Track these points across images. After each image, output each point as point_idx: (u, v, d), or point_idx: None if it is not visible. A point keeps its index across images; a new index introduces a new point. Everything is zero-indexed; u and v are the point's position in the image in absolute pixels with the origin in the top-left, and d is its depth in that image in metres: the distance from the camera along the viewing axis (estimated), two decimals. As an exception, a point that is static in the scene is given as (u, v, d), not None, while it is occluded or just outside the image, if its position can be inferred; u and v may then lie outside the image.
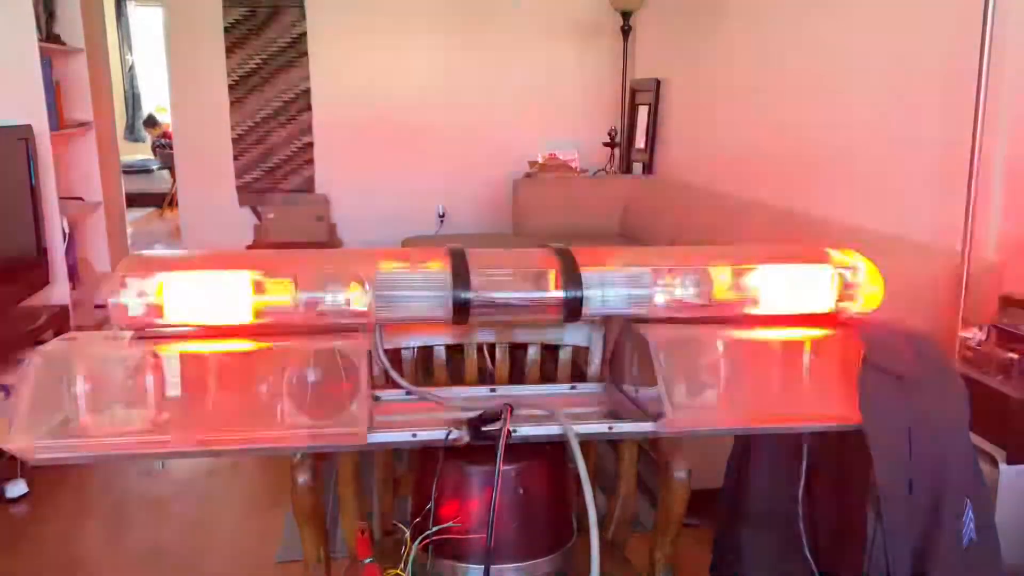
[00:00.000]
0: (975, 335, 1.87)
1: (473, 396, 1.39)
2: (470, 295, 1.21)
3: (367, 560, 1.15)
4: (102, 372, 1.17)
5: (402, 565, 1.16)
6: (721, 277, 1.29)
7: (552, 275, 1.24)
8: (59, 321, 3.33)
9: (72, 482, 2.82)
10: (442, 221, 5.22)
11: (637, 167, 4.68)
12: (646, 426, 1.21)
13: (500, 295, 1.23)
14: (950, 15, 2.30)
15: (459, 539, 1.21)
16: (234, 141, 5.11)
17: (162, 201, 9.18)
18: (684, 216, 3.71)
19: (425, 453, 1.31)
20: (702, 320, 1.30)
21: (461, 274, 1.22)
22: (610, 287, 1.25)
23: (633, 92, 4.78)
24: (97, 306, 4.32)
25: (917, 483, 1.20)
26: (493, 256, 1.28)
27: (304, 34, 5.04)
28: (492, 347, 1.52)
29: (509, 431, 1.12)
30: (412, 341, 1.45)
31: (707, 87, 3.97)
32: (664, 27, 4.49)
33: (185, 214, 5.19)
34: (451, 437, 1.15)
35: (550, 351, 1.54)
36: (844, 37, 2.84)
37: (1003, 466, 1.60)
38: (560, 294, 1.23)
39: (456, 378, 1.50)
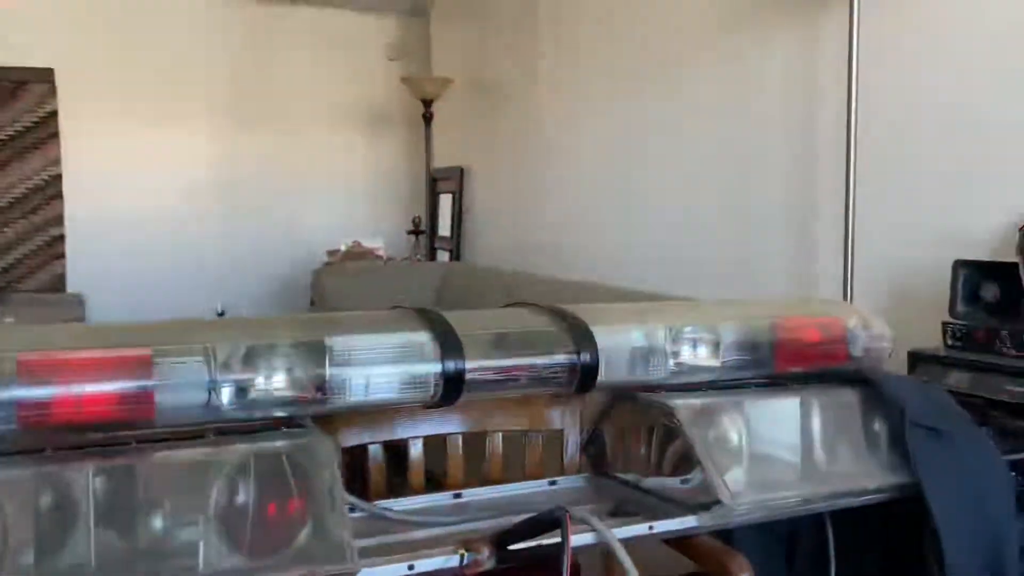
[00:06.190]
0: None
1: (436, 506, 1.06)
2: (465, 366, 0.91)
3: None
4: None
5: None
6: (731, 335, 1.10)
7: (553, 337, 0.98)
8: None
9: None
10: (225, 320, 4.69)
11: (443, 255, 4.51)
12: (691, 520, 0.96)
13: (500, 364, 0.94)
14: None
15: None
16: (-35, 233, 4.30)
17: None
18: (504, 299, 3.56)
19: None
20: (713, 385, 1.10)
21: (449, 341, 0.92)
22: (626, 350, 1.01)
23: (435, 180, 4.65)
24: None
25: (976, 542, 1.06)
26: (476, 318, 1.00)
27: (55, 112, 4.41)
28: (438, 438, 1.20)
29: (568, 546, 0.82)
30: (363, 436, 1.10)
31: (510, 174, 3.96)
32: (465, 114, 4.43)
33: None
34: (467, 561, 0.84)
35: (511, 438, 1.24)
36: (643, 116, 2.91)
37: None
38: (571, 360, 0.97)
39: (399, 485, 1.16)
